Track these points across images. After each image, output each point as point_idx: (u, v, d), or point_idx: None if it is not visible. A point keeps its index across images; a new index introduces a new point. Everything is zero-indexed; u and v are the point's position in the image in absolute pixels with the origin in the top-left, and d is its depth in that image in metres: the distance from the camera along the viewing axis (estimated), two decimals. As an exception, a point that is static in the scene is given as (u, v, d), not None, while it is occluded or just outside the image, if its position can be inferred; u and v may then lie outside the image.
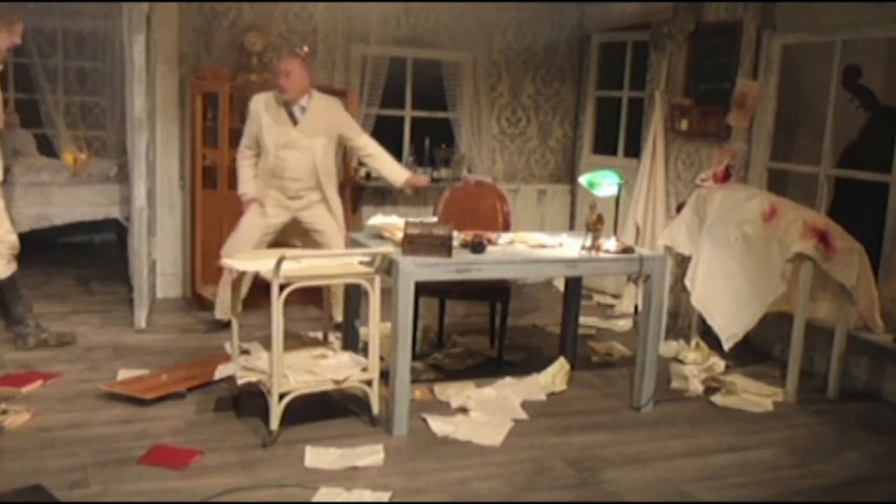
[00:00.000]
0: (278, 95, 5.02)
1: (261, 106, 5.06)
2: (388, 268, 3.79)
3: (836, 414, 4.41)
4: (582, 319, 5.14)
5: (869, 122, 5.88)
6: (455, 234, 4.01)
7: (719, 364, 4.94)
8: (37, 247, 6.99)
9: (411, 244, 3.81)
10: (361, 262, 3.85)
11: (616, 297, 6.59)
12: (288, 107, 5.03)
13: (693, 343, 5.22)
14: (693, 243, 5.17)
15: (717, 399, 4.53)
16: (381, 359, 3.90)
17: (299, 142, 5.02)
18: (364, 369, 3.87)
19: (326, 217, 5.16)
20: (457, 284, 4.59)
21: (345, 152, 6.14)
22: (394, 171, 5.18)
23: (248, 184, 5.08)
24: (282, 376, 3.65)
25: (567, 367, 4.68)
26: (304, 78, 4.98)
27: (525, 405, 4.28)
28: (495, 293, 4.90)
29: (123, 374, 4.41)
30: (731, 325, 4.76)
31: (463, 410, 4.15)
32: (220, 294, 5.20)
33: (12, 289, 4.82)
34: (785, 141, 5.61)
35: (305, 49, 6.13)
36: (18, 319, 4.84)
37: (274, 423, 3.64)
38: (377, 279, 3.78)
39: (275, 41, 6.13)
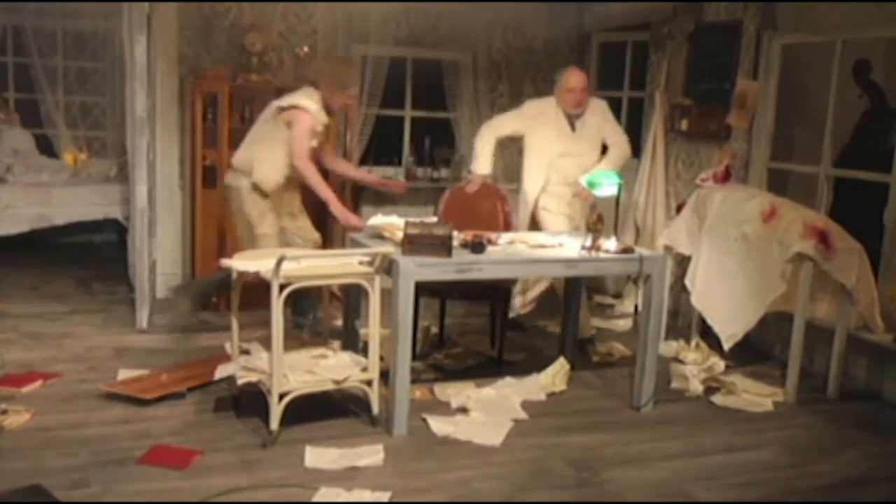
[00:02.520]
0: (557, 104, 5.08)
1: (536, 112, 5.14)
2: (388, 268, 3.80)
3: (836, 414, 4.41)
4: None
5: (861, 121, 5.91)
6: (455, 234, 4.01)
7: (719, 364, 4.93)
8: (37, 247, 7.01)
9: (411, 244, 3.81)
10: (361, 262, 3.85)
11: (616, 297, 6.58)
12: (566, 113, 5.08)
13: (693, 343, 5.21)
14: (693, 243, 5.17)
15: (717, 399, 4.53)
16: (381, 359, 3.90)
17: (576, 150, 5.07)
18: (364, 369, 3.87)
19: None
20: (457, 285, 4.59)
21: (345, 151, 6.14)
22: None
23: (486, 163, 5.15)
24: (282, 376, 3.65)
25: (567, 367, 4.68)
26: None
27: (525, 405, 4.28)
28: (496, 293, 4.89)
29: (123, 374, 4.41)
30: (730, 325, 4.76)
31: (463, 410, 4.15)
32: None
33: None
34: (785, 140, 5.61)
35: (305, 49, 6.15)
36: (301, 311, 5.16)
37: (274, 423, 3.64)
38: (377, 279, 3.78)
39: (275, 41, 6.13)
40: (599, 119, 5.16)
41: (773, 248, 4.56)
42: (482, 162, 5.18)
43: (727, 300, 4.81)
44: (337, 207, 4.72)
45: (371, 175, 5.68)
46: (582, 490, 3.43)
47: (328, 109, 4.92)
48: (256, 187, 4.83)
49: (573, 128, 5.11)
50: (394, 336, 3.78)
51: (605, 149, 5.25)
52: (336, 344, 4.25)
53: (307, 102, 4.78)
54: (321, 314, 5.27)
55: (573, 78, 5.05)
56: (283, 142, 4.79)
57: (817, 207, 5.03)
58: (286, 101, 4.83)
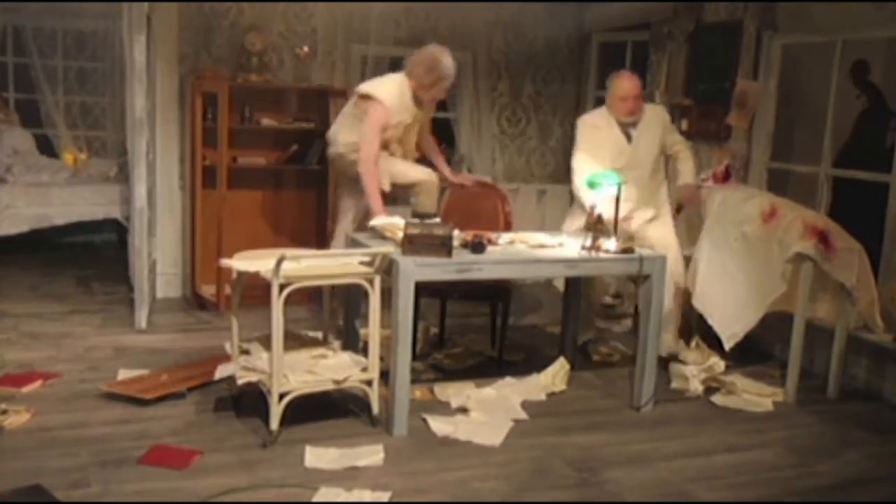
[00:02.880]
0: (609, 114, 4.82)
1: (589, 129, 4.85)
2: (388, 268, 3.79)
3: (836, 414, 4.41)
4: (582, 319, 5.13)
5: (859, 121, 5.92)
6: (455, 233, 4.01)
7: (719, 364, 4.92)
8: (37, 247, 7.01)
9: (411, 244, 3.81)
10: (361, 262, 3.85)
11: (616, 297, 6.58)
12: (621, 124, 4.81)
13: (693, 343, 5.21)
14: (693, 243, 5.17)
15: (717, 399, 4.53)
16: (381, 359, 3.90)
17: (633, 162, 4.77)
18: (364, 369, 3.87)
19: (662, 232, 4.94)
20: (457, 285, 4.58)
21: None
22: (683, 174, 4.97)
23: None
24: (282, 376, 3.65)
25: (567, 367, 4.68)
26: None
27: (525, 405, 4.28)
28: (496, 294, 4.89)
29: (123, 374, 4.41)
30: (731, 325, 4.76)
31: (463, 410, 4.15)
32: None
33: None
34: (785, 140, 5.61)
35: (306, 49, 6.15)
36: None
37: (274, 423, 3.64)
38: (377, 279, 3.78)
39: (275, 41, 6.14)
40: (658, 127, 4.89)
41: (773, 248, 4.56)
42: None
43: (727, 300, 4.81)
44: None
45: (458, 175, 5.43)
46: (582, 490, 3.43)
47: (417, 100, 4.73)
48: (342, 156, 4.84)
49: (629, 138, 4.84)
50: (394, 336, 3.78)
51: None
52: (336, 344, 4.25)
53: (383, 94, 4.60)
54: (324, 314, 5.20)
55: (624, 84, 4.75)
56: (360, 119, 4.69)
57: (817, 207, 5.03)
58: (365, 87, 4.70)
